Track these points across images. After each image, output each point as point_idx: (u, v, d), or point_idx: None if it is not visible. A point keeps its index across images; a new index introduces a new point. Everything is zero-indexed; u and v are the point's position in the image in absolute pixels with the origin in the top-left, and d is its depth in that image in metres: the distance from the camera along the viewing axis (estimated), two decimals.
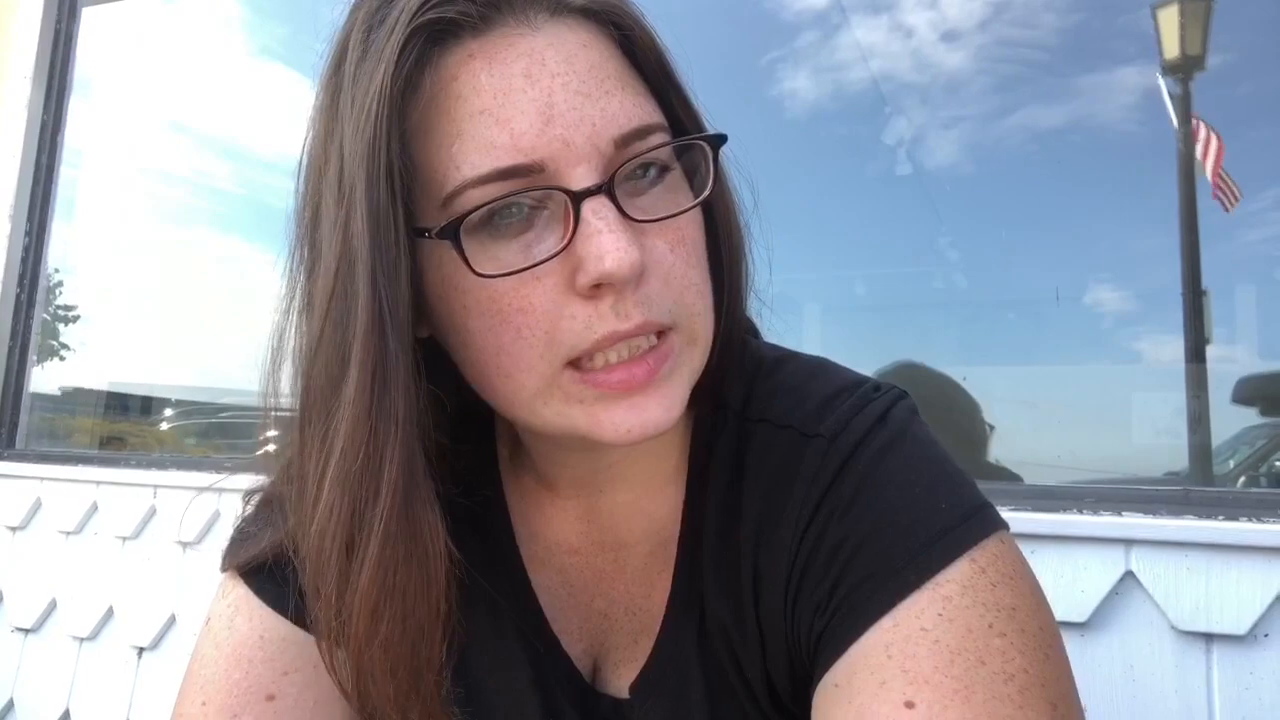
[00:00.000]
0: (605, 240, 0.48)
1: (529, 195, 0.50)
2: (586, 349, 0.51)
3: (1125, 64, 1.86)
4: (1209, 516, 1.19)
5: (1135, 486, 1.42)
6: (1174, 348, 1.79)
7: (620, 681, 0.64)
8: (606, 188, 0.50)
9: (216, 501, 1.86)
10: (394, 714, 0.55)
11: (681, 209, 0.53)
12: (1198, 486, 1.40)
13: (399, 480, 0.50)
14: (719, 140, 0.55)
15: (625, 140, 0.51)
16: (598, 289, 0.50)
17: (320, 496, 0.52)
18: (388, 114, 0.50)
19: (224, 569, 0.67)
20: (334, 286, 0.51)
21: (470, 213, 0.49)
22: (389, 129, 0.50)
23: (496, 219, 0.50)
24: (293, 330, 0.57)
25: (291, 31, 2.71)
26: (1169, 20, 1.72)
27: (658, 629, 0.62)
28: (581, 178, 0.49)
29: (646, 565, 0.64)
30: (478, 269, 0.50)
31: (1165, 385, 1.79)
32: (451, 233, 0.50)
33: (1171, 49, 1.73)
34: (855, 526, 0.54)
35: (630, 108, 0.52)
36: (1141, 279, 1.85)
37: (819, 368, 0.64)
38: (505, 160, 0.49)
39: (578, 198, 0.49)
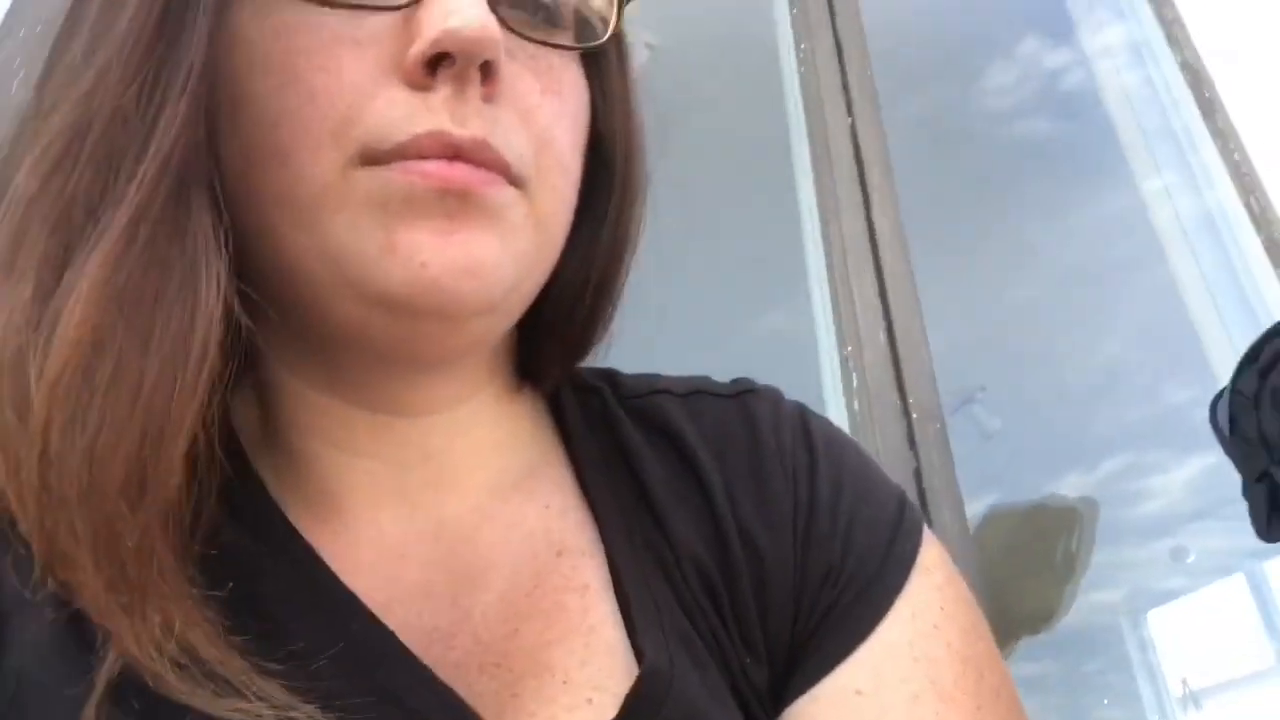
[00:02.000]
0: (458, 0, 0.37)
1: None
2: (398, 144, 0.36)
3: None
4: None
5: None
6: None
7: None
8: None
9: None
10: (99, 551, 0.33)
11: (568, 45, 0.43)
12: None
13: (178, 147, 0.34)
14: None
15: None
16: (432, 73, 0.37)
17: (41, 163, 0.35)
18: None
19: None
20: None
21: None
22: None
23: None
24: None
25: None
26: None
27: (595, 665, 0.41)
28: None
29: (523, 602, 0.43)
30: None
31: None
32: None
33: None
34: (837, 470, 0.46)
35: None
36: None
37: None
38: None
39: None
